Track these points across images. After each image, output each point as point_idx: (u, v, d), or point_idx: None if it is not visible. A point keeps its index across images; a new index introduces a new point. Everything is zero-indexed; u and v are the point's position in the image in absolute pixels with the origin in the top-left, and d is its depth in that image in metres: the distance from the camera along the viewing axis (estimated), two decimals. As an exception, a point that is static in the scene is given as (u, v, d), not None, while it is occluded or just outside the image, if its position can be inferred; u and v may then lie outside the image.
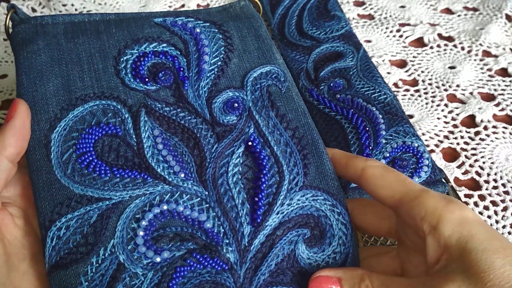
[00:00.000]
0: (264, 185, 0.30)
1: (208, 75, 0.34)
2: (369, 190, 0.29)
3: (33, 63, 0.32)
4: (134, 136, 0.31)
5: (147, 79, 0.33)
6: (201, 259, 0.28)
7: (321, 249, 0.30)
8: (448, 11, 0.56)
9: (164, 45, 0.35)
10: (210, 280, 0.28)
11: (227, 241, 0.29)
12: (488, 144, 0.43)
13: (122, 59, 0.34)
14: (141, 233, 0.28)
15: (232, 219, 0.29)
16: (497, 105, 0.46)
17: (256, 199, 0.30)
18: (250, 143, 0.32)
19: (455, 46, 0.52)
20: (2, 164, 0.27)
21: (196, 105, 0.33)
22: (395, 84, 0.48)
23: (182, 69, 0.34)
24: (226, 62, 0.35)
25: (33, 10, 0.56)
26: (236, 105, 0.33)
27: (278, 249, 0.29)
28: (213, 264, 0.28)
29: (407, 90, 0.47)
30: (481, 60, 0.50)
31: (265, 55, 0.36)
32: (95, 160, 0.30)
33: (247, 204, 0.30)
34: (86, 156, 0.30)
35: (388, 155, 0.37)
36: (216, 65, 0.35)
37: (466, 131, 0.44)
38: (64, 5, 0.57)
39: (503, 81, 0.48)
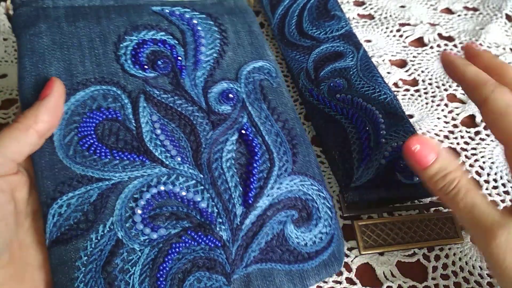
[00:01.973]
0: (256, 170, 0.33)
1: (204, 66, 0.36)
2: (486, 123, 0.29)
3: (35, 46, 0.33)
4: (133, 121, 0.32)
5: (146, 66, 0.35)
6: (195, 236, 0.30)
7: (308, 229, 0.32)
8: (448, 11, 0.56)
9: (162, 33, 0.36)
10: (203, 256, 0.30)
11: (220, 220, 0.31)
12: (488, 144, 0.43)
13: (122, 45, 0.35)
14: (139, 212, 0.30)
15: (225, 200, 0.31)
16: (497, 105, 0.46)
17: (248, 182, 0.32)
18: (243, 131, 0.34)
19: (455, 46, 0.52)
20: (31, 138, 0.29)
21: (193, 93, 0.34)
22: (395, 84, 0.48)
23: (179, 58, 0.35)
24: (221, 55, 0.37)
25: None
26: (231, 95, 0.35)
27: (268, 228, 0.31)
28: (207, 241, 0.30)
29: (407, 90, 0.47)
30: (481, 60, 0.50)
31: (258, 50, 0.38)
32: (96, 143, 0.31)
33: (240, 187, 0.32)
34: (87, 139, 0.31)
35: (388, 155, 0.37)
36: (211, 56, 0.36)
37: (466, 131, 0.44)
38: (64, 5, 0.57)
39: (503, 81, 0.48)
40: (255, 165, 0.33)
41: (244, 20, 0.39)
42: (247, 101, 0.35)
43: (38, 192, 0.30)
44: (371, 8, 0.56)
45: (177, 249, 0.30)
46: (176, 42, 0.36)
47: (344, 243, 0.32)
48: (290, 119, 0.35)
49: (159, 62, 0.35)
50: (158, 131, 0.33)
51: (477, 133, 0.44)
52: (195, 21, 0.38)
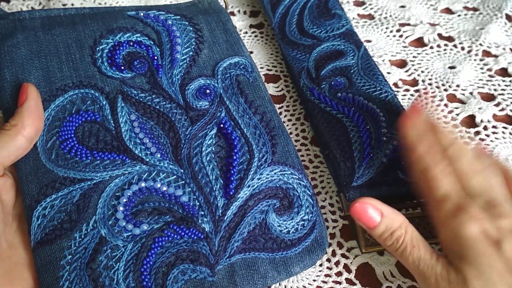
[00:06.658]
0: (236, 162, 0.33)
1: (180, 64, 0.37)
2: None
3: (14, 57, 0.34)
4: (112, 121, 0.33)
5: (122, 67, 0.35)
6: (178, 229, 0.31)
7: (290, 217, 0.32)
8: (448, 11, 0.56)
9: (138, 35, 0.37)
10: (187, 248, 0.30)
11: (202, 213, 0.31)
12: (488, 144, 0.43)
13: (98, 48, 0.36)
14: (121, 209, 0.31)
15: (206, 193, 0.32)
16: (497, 105, 0.46)
17: (229, 175, 0.33)
18: (222, 125, 0.34)
19: (455, 46, 0.52)
20: (20, 142, 0.30)
21: (170, 91, 0.35)
22: (395, 84, 0.48)
23: (156, 57, 0.36)
24: (197, 53, 0.37)
25: (33, 9, 0.56)
26: (208, 91, 0.36)
27: (250, 218, 0.32)
28: (190, 234, 0.31)
29: (407, 90, 0.47)
30: (481, 60, 0.50)
31: (233, 47, 0.39)
32: (76, 145, 0.32)
33: (221, 179, 0.33)
34: (68, 142, 0.32)
35: (389, 153, 0.37)
36: (188, 55, 0.37)
37: (466, 131, 0.44)
38: (64, 5, 0.57)
39: (503, 81, 0.48)
40: (235, 157, 0.33)
41: (219, 19, 0.40)
42: (224, 96, 0.36)
43: (22, 196, 0.30)
44: (371, 8, 0.56)
45: (160, 243, 0.30)
46: (152, 42, 0.37)
47: (326, 229, 0.33)
48: (268, 112, 0.36)
49: (136, 63, 0.35)
50: (137, 130, 0.33)
51: (477, 133, 0.44)
52: (169, 22, 0.38)
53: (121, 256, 0.30)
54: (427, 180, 0.31)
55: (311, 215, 0.33)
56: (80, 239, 0.30)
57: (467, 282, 0.27)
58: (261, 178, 0.33)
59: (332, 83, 0.42)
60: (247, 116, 0.35)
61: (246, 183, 0.33)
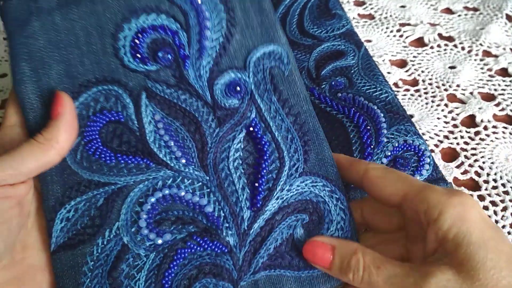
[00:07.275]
0: (265, 171, 0.31)
1: (209, 53, 0.33)
2: (372, 191, 0.29)
3: (31, 50, 0.31)
4: (136, 122, 0.31)
5: (146, 59, 0.32)
6: (201, 242, 0.30)
7: (319, 233, 0.31)
8: (448, 11, 0.56)
9: (163, 16, 0.33)
10: (210, 262, 0.29)
11: (227, 225, 0.30)
12: (488, 144, 0.43)
13: (120, 36, 0.32)
14: (144, 216, 0.30)
15: (232, 203, 0.30)
16: (497, 105, 0.46)
17: (256, 184, 0.31)
18: (251, 129, 0.32)
19: (455, 46, 0.52)
20: (53, 157, 0.28)
21: (197, 86, 0.32)
22: (395, 84, 0.48)
23: (182, 46, 0.33)
24: (228, 38, 0.33)
25: None
26: (238, 88, 0.32)
27: (277, 234, 0.30)
28: (213, 247, 0.29)
29: (407, 90, 0.47)
30: (481, 60, 0.50)
31: (269, 32, 0.34)
32: (101, 147, 0.31)
33: (247, 189, 0.31)
34: (93, 144, 0.31)
35: (389, 153, 0.37)
36: (217, 41, 0.33)
37: (466, 131, 0.44)
38: None
39: (503, 81, 0.48)
40: (263, 165, 0.31)
41: None
42: (255, 93, 0.33)
43: (44, 196, 0.29)
44: (372, 8, 0.56)
45: (183, 255, 0.29)
46: (178, 26, 0.33)
47: None
48: (302, 112, 0.33)
49: (160, 54, 0.32)
50: (162, 132, 0.31)
51: (477, 133, 0.44)
52: (199, 1, 0.34)
53: (143, 266, 0.29)
54: (393, 177, 0.29)
55: (341, 232, 0.31)
56: (103, 246, 0.29)
57: (473, 275, 0.24)
58: (291, 189, 0.31)
59: (333, 83, 0.42)
60: (279, 118, 0.32)
61: (274, 194, 0.31)
